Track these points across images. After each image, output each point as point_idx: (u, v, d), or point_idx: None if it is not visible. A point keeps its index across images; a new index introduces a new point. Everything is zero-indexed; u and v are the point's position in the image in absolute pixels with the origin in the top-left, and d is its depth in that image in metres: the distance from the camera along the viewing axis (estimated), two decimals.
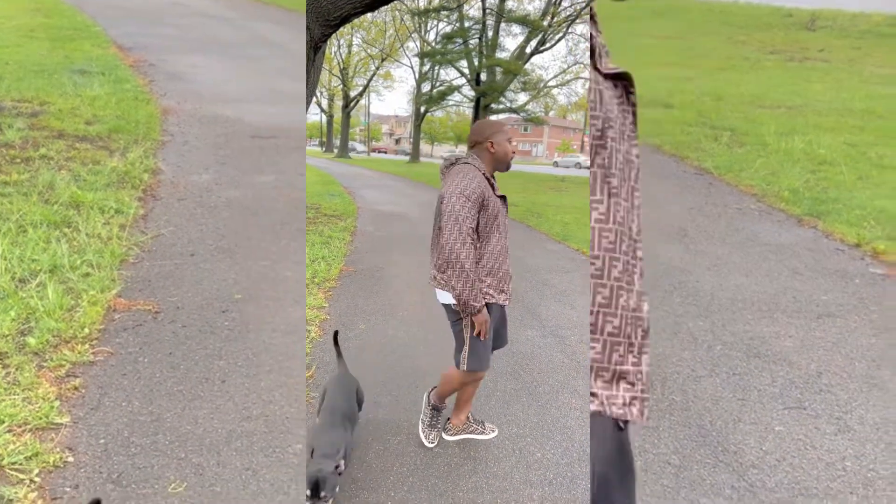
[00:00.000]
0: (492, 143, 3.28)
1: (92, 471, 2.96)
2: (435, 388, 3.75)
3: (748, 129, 10.41)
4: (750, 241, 6.43)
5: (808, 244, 6.35)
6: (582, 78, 39.32)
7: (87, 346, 3.85)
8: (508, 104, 32.85)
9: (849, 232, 6.51)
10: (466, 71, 33.66)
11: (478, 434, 3.69)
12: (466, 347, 3.31)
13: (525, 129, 70.52)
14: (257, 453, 3.16)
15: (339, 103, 52.80)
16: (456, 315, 3.30)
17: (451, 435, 3.70)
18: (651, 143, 9.83)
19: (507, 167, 3.37)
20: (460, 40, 32.09)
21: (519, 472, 3.17)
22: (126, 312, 4.28)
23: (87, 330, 3.98)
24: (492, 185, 3.25)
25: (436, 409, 3.72)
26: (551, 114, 47.69)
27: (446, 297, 3.26)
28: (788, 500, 3.15)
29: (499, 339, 3.52)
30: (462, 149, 72.38)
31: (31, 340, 3.76)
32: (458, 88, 36.09)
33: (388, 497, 2.92)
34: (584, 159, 46.07)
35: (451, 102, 39.17)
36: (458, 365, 3.38)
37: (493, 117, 37.95)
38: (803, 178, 8.25)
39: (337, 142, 51.59)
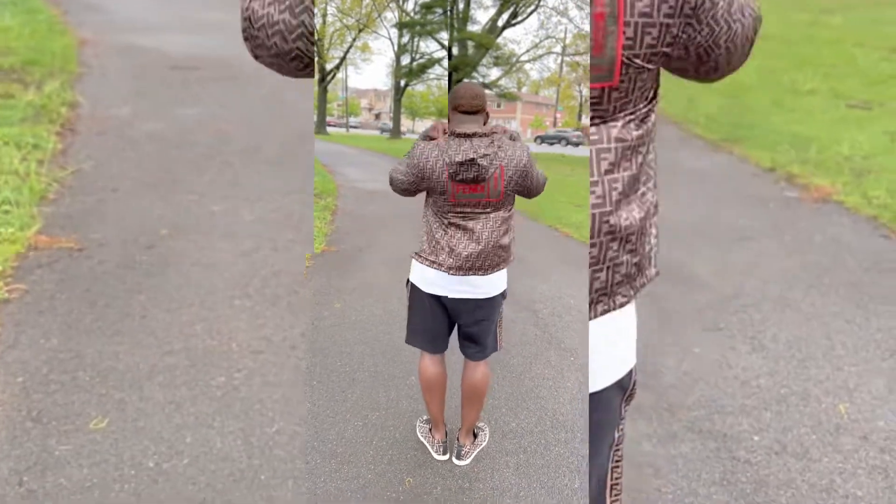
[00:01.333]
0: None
1: (11, 409, 2.94)
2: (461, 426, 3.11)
3: None
4: (670, 169, 6.50)
5: (726, 169, 6.51)
6: (554, 53, 38.48)
7: (0, 283, 3.77)
8: (481, 79, 32.16)
9: (763, 157, 6.68)
10: (447, 43, 32.76)
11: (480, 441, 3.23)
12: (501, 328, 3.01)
13: (498, 106, 69.37)
14: (180, 387, 3.16)
15: (315, 77, 50.65)
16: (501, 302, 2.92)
17: (466, 458, 3.08)
18: None
19: None
20: (440, 10, 31.17)
21: (495, 441, 3.21)
22: (46, 250, 4.19)
23: (1, 267, 3.90)
24: None
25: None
26: (524, 90, 46.34)
27: (502, 282, 2.82)
28: (706, 418, 3.29)
29: None
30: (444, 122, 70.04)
31: None
32: (438, 61, 35.09)
33: (368, 470, 2.95)
34: (576, 134, 42.12)
35: (431, 76, 38.07)
36: (497, 347, 3.00)
37: None
38: (721, 104, 8.38)
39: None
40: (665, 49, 1.32)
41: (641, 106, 1.41)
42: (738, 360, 3.72)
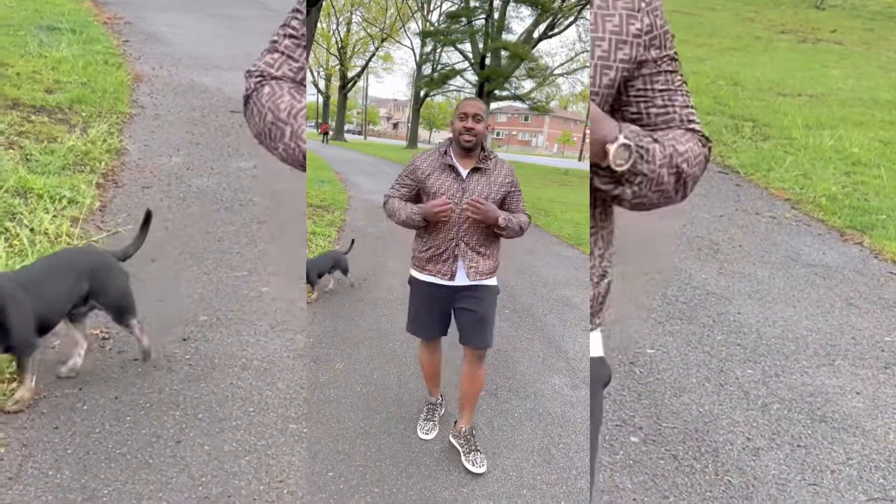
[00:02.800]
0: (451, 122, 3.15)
1: None
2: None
3: (770, 120, 9.68)
4: (791, 261, 5.75)
5: (857, 265, 5.68)
6: (589, 67, 38.04)
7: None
8: (513, 91, 31.70)
9: None
10: (470, 55, 32.43)
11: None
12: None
13: (525, 119, 69.17)
14: None
15: (336, 84, 51.12)
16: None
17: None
18: None
19: (460, 145, 3.02)
20: (465, 20, 30.87)
21: None
22: (68, 338, 3.57)
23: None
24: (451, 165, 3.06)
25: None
26: (553, 103, 45.84)
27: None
28: None
29: None
30: None
31: None
32: (460, 73, 34.86)
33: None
34: None
35: (452, 87, 37.83)
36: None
37: (496, 104, 36.61)
38: (838, 182, 7.58)
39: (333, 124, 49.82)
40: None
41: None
42: None
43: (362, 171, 17.51)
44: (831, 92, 11.34)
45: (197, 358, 3.55)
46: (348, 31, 46.37)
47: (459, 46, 33.15)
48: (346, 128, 52.63)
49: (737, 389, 3.88)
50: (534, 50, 31.56)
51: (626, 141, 1.27)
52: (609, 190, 1.35)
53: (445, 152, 3.06)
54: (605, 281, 1.56)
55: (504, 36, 31.55)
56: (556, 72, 35.53)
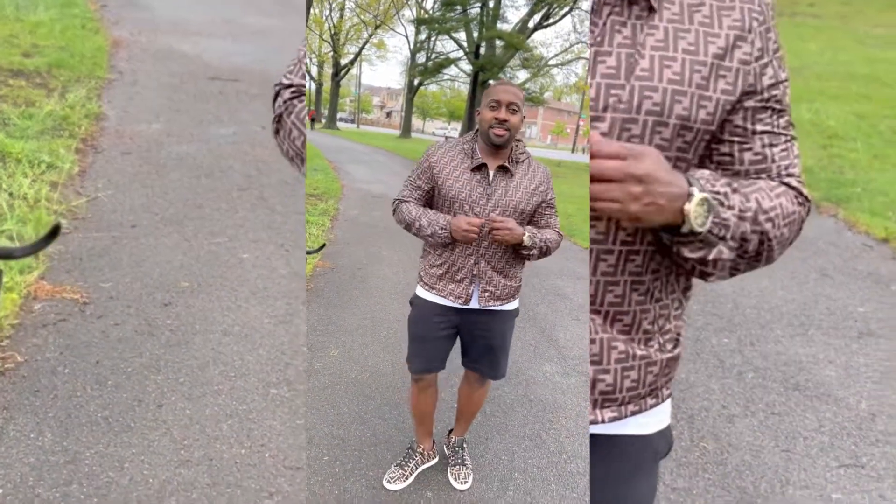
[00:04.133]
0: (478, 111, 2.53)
1: None
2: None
3: None
4: None
5: (832, 237, 5.76)
6: (583, 58, 37.73)
7: None
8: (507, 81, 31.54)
9: (873, 223, 5.91)
10: (464, 44, 32.13)
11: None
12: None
13: None
14: None
15: (328, 71, 50.42)
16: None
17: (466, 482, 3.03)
18: None
19: (489, 140, 2.44)
20: (460, 8, 30.51)
21: None
22: (49, 301, 3.57)
23: None
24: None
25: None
26: (547, 94, 45.32)
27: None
28: None
29: None
30: (455, 125, 70.06)
31: None
32: (455, 62, 34.53)
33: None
34: None
35: (446, 76, 37.55)
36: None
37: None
38: (815, 155, 7.65)
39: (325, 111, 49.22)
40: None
41: None
42: None
43: (355, 160, 17.38)
44: (808, 65, 11.39)
45: (178, 323, 3.55)
46: (341, 17, 45.69)
47: (454, 35, 32.82)
48: (338, 116, 51.98)
49: (713, 358, 3.95)
50: (528, 40, 31.32)
51: (704, 194, 1.04)
52: (702, 257, 1.11)
53: (471, 148, 2.50)
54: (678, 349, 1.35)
55: (499, 25, 31.27)
56: (550, 62, 35.34)
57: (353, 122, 65.46)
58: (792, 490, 2.96)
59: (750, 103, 1.15)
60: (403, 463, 3.02)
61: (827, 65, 11.61)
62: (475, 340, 2.71)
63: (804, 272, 5.11)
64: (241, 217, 4.70)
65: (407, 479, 2.96)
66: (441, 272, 2.57)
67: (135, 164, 5.17)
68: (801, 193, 1.20)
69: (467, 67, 33.01)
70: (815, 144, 7.94)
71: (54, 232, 2.79)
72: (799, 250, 5.47)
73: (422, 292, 2.67)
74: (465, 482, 3.00)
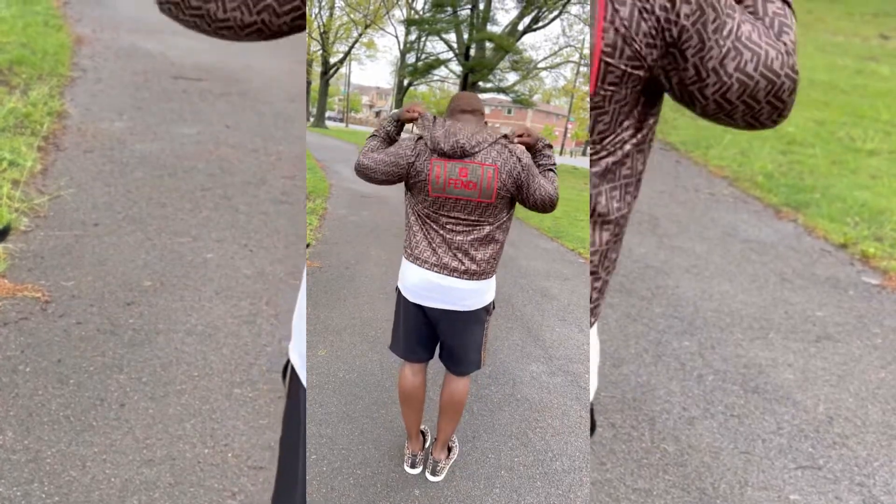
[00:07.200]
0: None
1: None
2: (436, 439, 2.98)
3: None
4: (728, 237, 5.91)
5: (791, 242, 5.87)
6: (572, 62, 37.79)
7: None
8: (497, 83, 31.43)
9: (832, 229, 6.05)
10: (454, 45, 32.09)
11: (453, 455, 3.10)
12: (486, 340, 2.71)
13: (508, 112, 68.73)
14: None
15: (317, 70, 50.01)
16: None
17: (440, 474, 2.94)
18: None
19: None
20: (450, 9, 30.45)
21: None
22: (10, 300, 3.54)
23: None
24: None
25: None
26: (536, 97, 45.23)
27: (486, 296, 2.52)
28: None
29: None
30: None
31: None
32: (444, 63, 34.43)
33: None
34: None
35: (436, 77, 37.40)
36: (480, 365, 2.73)
37: (481, 96, 36.54)
38: (775, 160, 7.79)
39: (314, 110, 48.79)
40: (639, 73, 1.13)
41: (618, 136, 1.22)
42: None
43: (344, 159, 17.18)
44: None
45: (141, 322, 3.54)
46: (331, 15, 45.23)
47: (444, 36, 32.74)
48: (327, 114, 51.67)
49: (674, 361, 4.02)
50: (518, 43, 31.39)
51: None
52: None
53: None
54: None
55: (489, 27, 31.24)
56: (539, 65, 35.40)
57: (341, 120, 65.11)
58: (751, 491, 3.03)
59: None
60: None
61: None
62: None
63: (764, 276, 5.21)
64: (205, 216, 4.69)
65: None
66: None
67: (98, 163, 5.13)
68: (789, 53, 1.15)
69: (457, 69, 32.90)
70: (775, 150, 8.09)
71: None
72: (759, 255, 5.58)
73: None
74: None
